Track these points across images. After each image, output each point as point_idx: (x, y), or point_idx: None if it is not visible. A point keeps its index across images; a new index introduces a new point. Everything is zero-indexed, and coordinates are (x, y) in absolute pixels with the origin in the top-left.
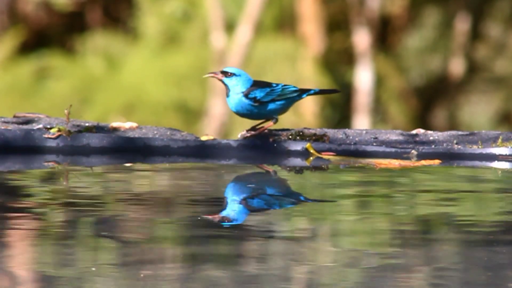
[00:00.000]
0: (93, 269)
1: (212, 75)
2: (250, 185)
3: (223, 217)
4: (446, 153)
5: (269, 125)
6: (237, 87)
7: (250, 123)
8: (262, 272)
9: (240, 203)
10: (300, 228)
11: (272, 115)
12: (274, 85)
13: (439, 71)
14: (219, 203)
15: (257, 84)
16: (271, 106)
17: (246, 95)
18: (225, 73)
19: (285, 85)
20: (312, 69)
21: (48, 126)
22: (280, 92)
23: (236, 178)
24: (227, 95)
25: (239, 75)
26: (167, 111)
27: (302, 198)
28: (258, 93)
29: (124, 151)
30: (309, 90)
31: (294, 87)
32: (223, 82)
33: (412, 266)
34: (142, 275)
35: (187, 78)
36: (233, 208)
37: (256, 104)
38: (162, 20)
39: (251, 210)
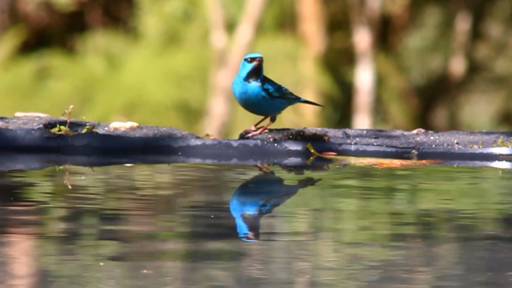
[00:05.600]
0: (101, 264)
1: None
2: (250, 185)
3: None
4: (447, 153)
5: (268, 124)
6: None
7: (250, 122)
8: (262, 272)
9: (241, 202)
10: (300, 228)
11: (272, 112)
12: (278, 83)
13: (439, 70)
14: (219, 202)
15: (265, 78)
16: (277, 102)
17: (262, 87)
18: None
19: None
20: (313, 69)
21: (49, 126)
22: (284, 91)
23: (236, 177)
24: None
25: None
26: (168, 111)
27: (302, 197)
28: (271, 87)
29: (125, 150)
30: (299, 98)
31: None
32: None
33: (412, 265)
34: (145, 271)
35: (188, 78)
36: (233, 207)
37: (268, 97)
38: (162, 19)
39: (251, 209)
